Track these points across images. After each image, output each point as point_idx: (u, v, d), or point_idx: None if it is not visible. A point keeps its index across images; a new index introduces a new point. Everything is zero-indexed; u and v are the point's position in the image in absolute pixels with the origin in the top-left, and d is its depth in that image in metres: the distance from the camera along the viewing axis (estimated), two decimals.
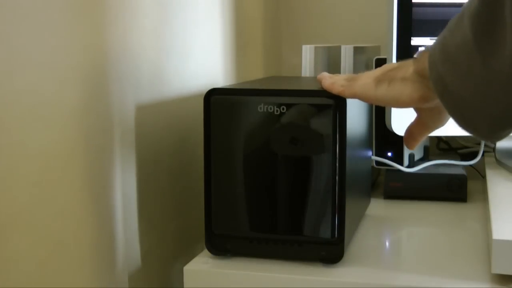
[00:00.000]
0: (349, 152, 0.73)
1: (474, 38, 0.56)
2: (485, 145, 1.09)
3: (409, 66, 0.67)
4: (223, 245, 0.77)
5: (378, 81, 0.69)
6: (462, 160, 1.09)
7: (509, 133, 0.61)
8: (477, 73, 0.57)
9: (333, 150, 0.72)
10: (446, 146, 1.20)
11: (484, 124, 0.59)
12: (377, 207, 0.98)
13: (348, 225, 0.75)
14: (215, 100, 0.74)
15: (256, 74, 1.23)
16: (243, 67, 1.17)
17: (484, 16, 0.55)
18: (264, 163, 0.74)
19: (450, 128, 0.97)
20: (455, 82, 0.59)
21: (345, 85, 0.72)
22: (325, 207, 0.73)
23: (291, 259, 0.75)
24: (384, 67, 0.72)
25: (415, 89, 0.66)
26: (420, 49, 0.95)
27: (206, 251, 0.78)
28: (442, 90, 0.61)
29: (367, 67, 1.08)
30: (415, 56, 0.68)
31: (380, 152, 1.05)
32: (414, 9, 0.95)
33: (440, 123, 0.73)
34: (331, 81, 0.73)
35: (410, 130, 0.76)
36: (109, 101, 0.74)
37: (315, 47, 1.08)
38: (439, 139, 1.20)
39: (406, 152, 1.04)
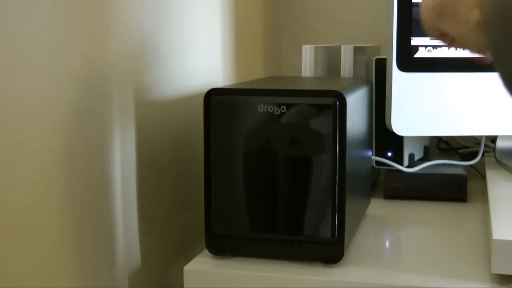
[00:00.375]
0: (349, 152, 0.73)
1: None
2: (485, 145, 1.09)
3: (473, 4, 0.61)
4: (223, 245, 0.77)
5: (440, 11, 0.64)
6: (462, 160, 1.09)
7: None
8: None
9: (333, 150, 0.72)
10: (446, 146, 1.20)
11: None
12: (377, 207, 0.98)
13: (348, 225, 0.75)
14: (215, 100, 0.74)
15: (256, 74, 1.23)
16: (243, 67, 1.17)
17: None
18: (264, 163, 0.74)
19: (450, 128, 0.97)
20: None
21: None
22: (325, 207, 0.73)
23: (291, 259, 0.75)
24: None
25: (478, 38, 0.61)
26: (420, 49, 0.96)
27: (206, 251, 0.78)
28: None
29: (367, 67, 1.08)
30: None
31: (380, 152, 1.05)
32: (414, 9, 0.95)
33: None
34: None
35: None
36: (109, 101, 0.74)
37: (315, 47, 1.08)
38: (439, 139, 1.20)
39: (406, 152, 1.04)
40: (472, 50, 0.64)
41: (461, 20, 0.62)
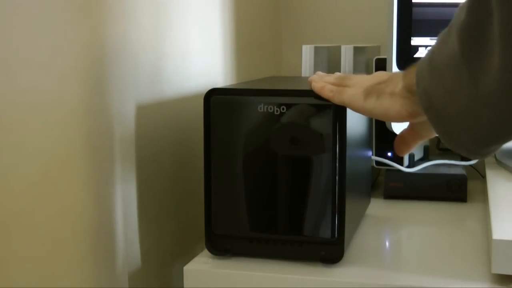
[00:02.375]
0: (349, 152, 0.73)
1: (461, 52, 0.55)
2: None
3: (398, 80, 0.67)
4: (223, 245, 0.77)
5: (367, 93, 0.68)
6: (462, 160, 1.09)
7: (495, 150, 0.60)
8: (464, 88, 0.55)
9: (333, 150, 0.72)
10: (446, 146, 1.20)
11: (469, 141, 0.58)
12: (377, 207, 0.98)
13: (348, 225, 0.75)
14: (215, 100, 0.74)
15: (256, 74, 1.23)
16: (243, 67, 1.16)
17: (472, 29, 0.53)
18: (264, 163, 0.74)
19: None
20: (441, 97, 0.58)
21: (334, 90, 0.71)
22: (325, 207, 0.73)
23: (291, 259, 0.75)
24: (375, 77, 0.71)
25: (403, 105, 0.65)
26: (420, 49, 0.95)
27: (206, 251, 0.78)
28: (428, 105, 0.60)
29: (367, 67, 1.08)
30: (405, 70, 0.67)
31: (380, 152, 1.05)
32: (414, 9, 0.95)
33: (433, 133, 0.72)
34: (321, 85, 0.72)
35: (403, 136, 0.75)
36: (109, 101, 0.74)
37: (315, 47, 1.08)
38: (439, 139, 1.20)
39: None
40: (393, 117, 0.68)
41: (387, 94, 0.67)
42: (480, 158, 0.63)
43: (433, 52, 0.60)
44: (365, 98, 0.68)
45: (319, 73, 0.76)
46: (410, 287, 0.69)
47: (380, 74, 0.72)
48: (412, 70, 0.64)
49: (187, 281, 0.75)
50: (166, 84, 0.87)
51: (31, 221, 0.61)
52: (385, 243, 0.84)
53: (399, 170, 1.02)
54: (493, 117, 0.54)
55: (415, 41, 0.96)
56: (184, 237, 0.93)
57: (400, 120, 0.68)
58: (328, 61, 1.10)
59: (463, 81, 0.55)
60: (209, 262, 0.76)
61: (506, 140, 0.58)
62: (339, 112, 0.72)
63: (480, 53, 0.53)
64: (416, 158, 1.07)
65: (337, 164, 0.72)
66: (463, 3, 0.55)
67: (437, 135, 0.72)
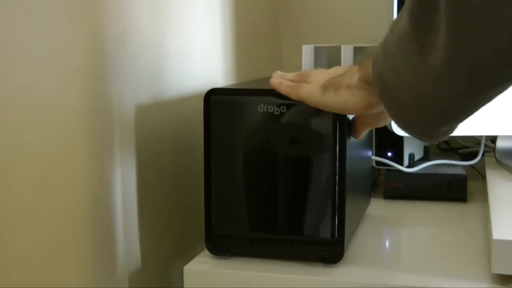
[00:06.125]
0: (349, 152, 0.73)
1: (411, 29, 0.54)
2: (485, 145, 1.09)
3: (354, 72, 0.67)
4: (223, 245, 0.77)
5: (325, 88, 0.69)
6: (462, 160, 1.09)
7: (448, 133, 0.60)
8: (414, 66, 0.55)
9: (333, 150, 0.72)
10: (446, 146, 1.20)
11: (420, 122, 0.58)
12: (377, 207, 0.98)
13: (348, 225, 0.75)
14: (215, 100, 0.74)
15: (256, 74, 1.23)
16: (243, 67, 1.17)
17: (421, 5, 0.53)
18: (264, 163, 0.74)
19: None
20: (393, 78, 0.58)
21: (291, 86, 0.72)
22: (325, 207, 0.73)
23: (291, 259, 0.75)
24: (332, 71, 0.72)
25: (360, 97, 0.66)
26: None
27: (206, 251, 0.78)
28: (382, 87, 0.60)
29: None
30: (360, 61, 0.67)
31: (380, 152, 1.05)
32: None
33: (383, 122, 0.73)
34: (278, 81, 0.73)
35: (354, 123, 0.75)
36: (109, 101, 0.74)
37: (315, 47, 1.08)
38: None
39: (406, 152, 1.04)
40: (351, 109, 0.69)
41: (344, 87, 0.68)
42: (434, 141, 0.62)
43: (387, 36, 0.60)
44: (322, 93, 0.69)
45: (278, 72, 0.77)
46: (410, 287, 0.69)
47: (338, 68, 0.73)
48: (368, 60, 0.64)
49: (187, 281, 0.75)
50: (166, 84, 0.87)
51: (31, 221, 0.61)
52: (385, 243, 0.84)
53: (399, 170, 1.03)
54: (441, 95, 0.54)
55: None
56: (184, 237, 0.93)
57: (357, 112, 0.69)
58: (328, 61, 1.10)
59: (413, 58, 0.55)
60: (209, 262, 0.76)
61: (457, 120, 0.58)
62: None
63: (428, 29, 0.53)
64: (416, 158, 1.07)
65: (337, 164, 0.72)
66: None
67: (383, 125, 0.72)
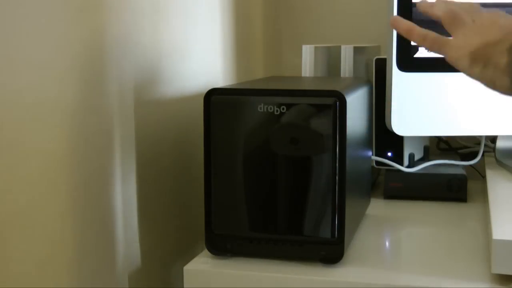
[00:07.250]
0: (349, 152, 0.73)
1: None
2: (485, 145, 1.09)
3: (505, 49, 0.65)
4: (223, 245, 0.77)
5: (473, 59, 0.67)
6: (462, 160, 1.09)
7: None
8: None
9: (333, 150, 0.72)
10: (446, 146, 1.20)
11: None
12: (377, 207, 0.98)
13: (348, 225, 0.75)
14: (215, 100, 0.74)
15: (256, 74, 1.23)
16: (243, 67, 1.17)
17: None
18: (264, 163, 0.74)
19: (450, 128, 0.97)
20: None
21: (437, 40, 0.69)
22: (325, 207, 0.73)
23: (291, 259, 0.75)
24: (487, 32, 0.67)
25: (506, 82, 0.65)
26: (420, 49, 0.96)
27: (206, 251, 0.78)
28: None
29: (367, 67, 1.08)
30: None
31: (380, 152, 1.05)
32: (414, 9, 0.95)
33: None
34: (424, 33, 0.70)
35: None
36: (109, 101, 0.74)
37: (315, 47, 1.08)
38: (439, 139, 1.20)
39: (406, 152, 1.04)
40: (499, 91, 0.68)
41: (492, 65, 0.66)
42: None
43: None
44: (470, 64, 0.68)
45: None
46: (410, 287, 0.69)
47: (495, 27, 0.68)
48: None
49: (187, 281, 0.75)
50: (166, 84, 0.87)
51: (31, 221, 0.61)
52: (385, 243, 0.84)
53: (399, 170, 1.02)
54: None
55: None
56: (184, 237, 0.93)
57: (504, 93, 0.67)
58: (328, 61, 1.10)
59: None
60: (209, 262, 0.76)
61: None
62: (339, 112, 0.72)
63: None
64: (416, 158, 1.07)
65: (337, 164, 0.72)
66: None
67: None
